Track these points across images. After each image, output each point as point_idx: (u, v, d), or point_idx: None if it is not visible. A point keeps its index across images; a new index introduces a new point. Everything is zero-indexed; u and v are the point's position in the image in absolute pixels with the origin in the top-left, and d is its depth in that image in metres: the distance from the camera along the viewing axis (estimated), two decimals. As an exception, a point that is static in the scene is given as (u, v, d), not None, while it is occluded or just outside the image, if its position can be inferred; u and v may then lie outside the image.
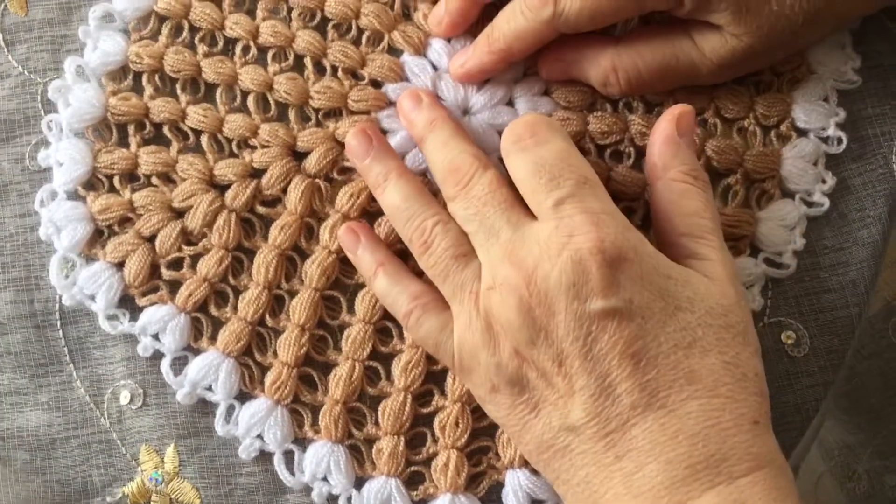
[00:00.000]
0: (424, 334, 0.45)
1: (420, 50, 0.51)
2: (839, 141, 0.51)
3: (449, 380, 0.48)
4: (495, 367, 0.42)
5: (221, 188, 0.50)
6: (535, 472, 0.47)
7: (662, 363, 0.40)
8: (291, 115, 0.50)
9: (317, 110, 0.50)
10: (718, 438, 0.40)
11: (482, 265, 0.44)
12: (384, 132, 0.50)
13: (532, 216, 0.43)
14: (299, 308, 0.48)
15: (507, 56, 0.48)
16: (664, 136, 0.45)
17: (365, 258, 0.47)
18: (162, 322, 0.48)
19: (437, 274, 0.45)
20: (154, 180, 0.50)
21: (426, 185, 0.48)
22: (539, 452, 0.43)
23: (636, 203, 0.49)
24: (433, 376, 0.48)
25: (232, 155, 0.50)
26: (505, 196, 0.44)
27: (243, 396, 0.48)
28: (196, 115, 0.50)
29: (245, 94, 0.50)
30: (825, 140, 0.51)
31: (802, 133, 0.51)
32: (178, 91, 0.50)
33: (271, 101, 0.50)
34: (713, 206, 0.45)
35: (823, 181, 0.50)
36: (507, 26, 0.47)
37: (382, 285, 0.47)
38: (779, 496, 0.39)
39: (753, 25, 0.45)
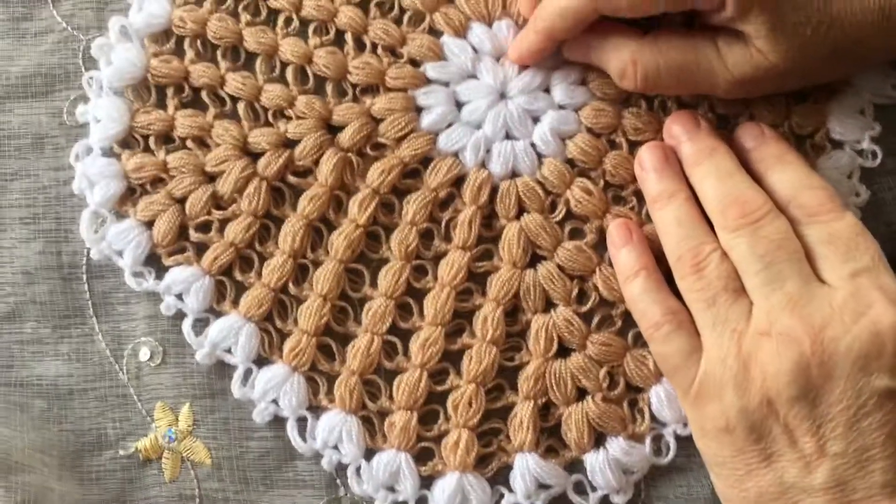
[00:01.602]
0: (669, 350, 0.44)
1: (461, 32, 0.51)
2: (874, 154, 0.50)
3: (465, 360, 0.48)
4: (739, 410, 0.42)
5: (254, 156, 0.50)
6: (544, 457, 0.47)
7: None
8: (329, 88, 0.51)
9: (354, 85, 0.51)
10: None
11: (755, 307, 0.43)
12: (419, 109, 0.50)
13: (820, 278, 0.43)
14: (323, 278, 0.48)
15: (551, 34, 0.47)
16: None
17: (629, 258, 0.47)
18: (186, 283, 0.49)
19: (701, 298, 0.44)
20: (189, 143, 0.50)
21: None
22: (759, 500, 0.42)
23: None
24: (450, 355, 0.48)
25: (267, 124, 0.50)
26: (798, 247, 0.44)
27: (261, 361, 0.49)
28: (234, 83, 0.50)
29: (284, 65, 0.51)
30: (860, 153, 0.50)
31: (837, 144, 0.50)
32: (219, 57, 0.51)
33: (310, 74, 0.51)
34: None
35: (857, 194, 0.50)
36: (552, 4, 0.47)
37: (639, 289, 0.46)
38: None
39: (784, 45, 0.44)
